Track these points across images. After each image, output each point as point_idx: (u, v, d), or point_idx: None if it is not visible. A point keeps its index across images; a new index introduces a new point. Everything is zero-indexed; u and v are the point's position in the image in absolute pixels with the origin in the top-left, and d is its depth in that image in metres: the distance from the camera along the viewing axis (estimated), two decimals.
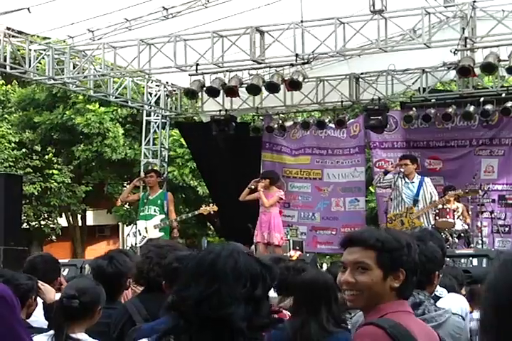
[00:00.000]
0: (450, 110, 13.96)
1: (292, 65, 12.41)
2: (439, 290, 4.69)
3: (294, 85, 12.60)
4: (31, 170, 23.48)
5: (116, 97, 15.19)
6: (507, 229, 14.27)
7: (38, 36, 14.79)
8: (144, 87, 15.86)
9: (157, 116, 16.30)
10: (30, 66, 13.06)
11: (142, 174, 14.97)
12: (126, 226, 24.48)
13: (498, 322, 1.19)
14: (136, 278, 4.78)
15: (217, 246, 2.55)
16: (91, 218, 30.08)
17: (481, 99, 13.82)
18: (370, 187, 17.50)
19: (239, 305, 2.38)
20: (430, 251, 3.56)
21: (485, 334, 1.22)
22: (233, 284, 2.39)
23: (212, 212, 13.36)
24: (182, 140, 19.84)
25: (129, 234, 13.86)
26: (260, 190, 12.80)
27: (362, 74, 14.40)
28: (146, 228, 13.09)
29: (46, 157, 23.82)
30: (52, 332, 4.04)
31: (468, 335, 4.53)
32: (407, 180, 12.50)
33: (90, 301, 4.15)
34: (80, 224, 27.60)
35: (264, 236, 12.78)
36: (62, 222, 27.16)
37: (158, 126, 16.20)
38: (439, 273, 3.70)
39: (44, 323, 4.81)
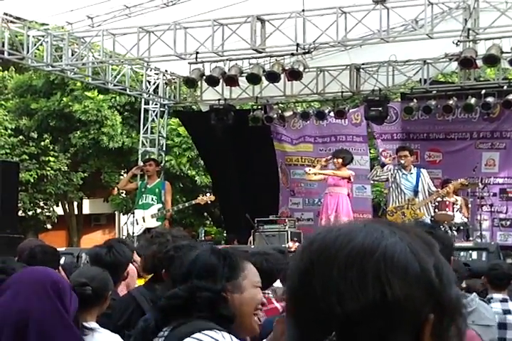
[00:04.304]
0: (451, 102, 13.86)
1: (293, 55, 12.32)
2: None
3: (294, 75, 12.50)
4: (27, 157, 23.38)
5: (114, 85, 15.07)
6: (508, 222, 14.20)
7: (36, 22, 14.66)
8: (142, 75, 15.76)
9: (155, 104, 16.22)
10: (28, 52, 12.92)
11: (140, 163, 14.90)
12: (123, 215, 24.41)
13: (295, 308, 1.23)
14: (145, 266, 4.71)
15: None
16: (87, 206, 30.00)
17: (483, 91, 13.72)
18: None
19: (164, 289, 2.68)
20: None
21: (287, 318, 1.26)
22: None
23: (209, 202, 13.29)
24: (179, 129, 19.79)
25: (126, 223, 13.79)
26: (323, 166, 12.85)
27: (363, 64, 14.29)
28: (143, 217, 13.01)
29: (42, 144, 23.71)
30: None
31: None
32: (404, 171, 12.41)
33: (101, 287, 4.15)
34: (75, 212, 27.52)
35: (330, 219, 12.40)
36: (58, 210, 27.10)
37: (156, 115, 16.13)
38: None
39: None
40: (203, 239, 16.53)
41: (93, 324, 4.02)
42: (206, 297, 2.46)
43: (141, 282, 5.73)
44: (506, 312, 6.43)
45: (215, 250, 2.62)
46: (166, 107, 16.33)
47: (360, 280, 1.15)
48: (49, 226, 28.36)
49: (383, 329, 1.15)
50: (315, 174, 13.03)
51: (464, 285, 6.72)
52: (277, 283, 5.95)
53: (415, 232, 1.23)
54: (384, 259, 1.16)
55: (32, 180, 23.46)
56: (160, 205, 13.13)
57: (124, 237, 13.46)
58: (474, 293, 3.81)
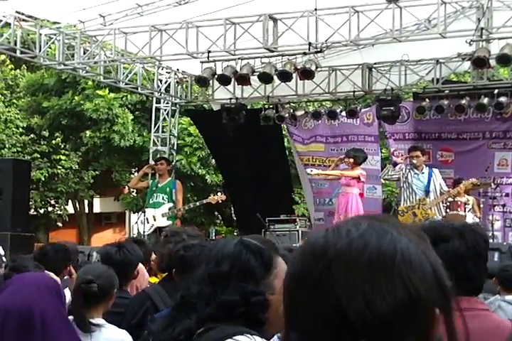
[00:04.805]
0: (463, 102, 13.79)
1: (305, 54, 12.28)
2: None
3: (306, 74, 12.46)
4: (38, 156, 23.44)
5: (126, 83, 15.08)
6: None
7: (48, 21, 14.67)
8: (154, 74, 15.75)
9: (167, 103, 16.21)
10: (40, 51, 12.94)
11: (151, 161, 14.91)
12: (133, 213, 24.44)
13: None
14: (160, 264, 4.70)
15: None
16: (98, 205, 30.08)
17: (496, 91, 13.64)
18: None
19: (198, 285, 2.34)
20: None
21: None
22: (202, 267, 2.39)
23: (220, 201, 13.27)
24: (190, 128, 19.79)
25: (136, 222, 13.80)
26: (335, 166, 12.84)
27: (375, 64, 14.23)
28: (154, 216, 13.00)
29: (54, 142, 23.76)
30: (70, 317, 4.01)
31: None
32: (416, 171, 12.36)
33: (107, 284, 4.21)
34: (86, 211, 27.59)
35: (340, 219, 12.04)
36: (69, 208, 27.19)
37: (167, 114, 16.12)
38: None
39: None
40: (214, 238, 16.51)
41: (100, 320, 4.09)
42: (260, 301, 2.30)
43: (154, 280, 5.72)
44: None
45: (249, 246, 2.40)
46: (178, 106, 16.33)
47: (388, 284, 1.19)
48: (60, 224, 28.47)
49: (407, 330, 1.19)
50: (318, 175, 13.02)
51: None
52: None
53: (410, 229, 1.28)
54: (404, 263, 1.21)
55: (43, 179, 23.53)
56: (171, 204, 13.11)
57: (134, 236, 13.44)
58: (497, 295, 3.75)
